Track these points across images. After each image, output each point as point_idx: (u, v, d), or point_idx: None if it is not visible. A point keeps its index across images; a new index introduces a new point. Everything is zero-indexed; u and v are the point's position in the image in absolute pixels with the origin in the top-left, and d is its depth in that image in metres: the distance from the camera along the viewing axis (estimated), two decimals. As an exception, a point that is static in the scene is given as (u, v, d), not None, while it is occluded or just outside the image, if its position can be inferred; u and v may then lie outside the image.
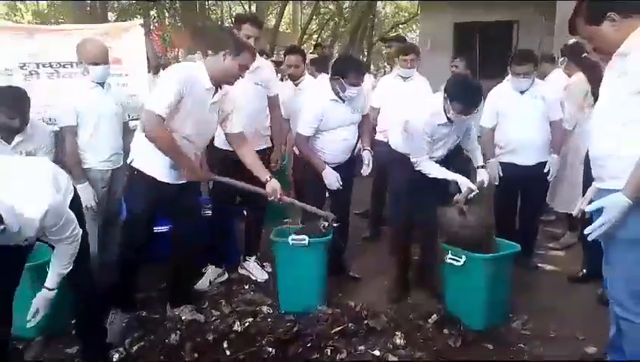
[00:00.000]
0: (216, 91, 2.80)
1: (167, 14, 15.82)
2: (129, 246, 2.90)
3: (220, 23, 17.86)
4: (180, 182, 2.83)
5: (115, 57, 3.66)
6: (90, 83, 3.18)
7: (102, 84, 3.22)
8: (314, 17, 17.14)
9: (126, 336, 2.80)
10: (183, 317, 2.98)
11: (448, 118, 3.02)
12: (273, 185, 2.95)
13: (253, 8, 17.38)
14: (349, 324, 2.87)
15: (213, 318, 3.03)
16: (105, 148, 3.23)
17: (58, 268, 2.22)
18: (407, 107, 3.32)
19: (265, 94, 3.53)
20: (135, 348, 2.72)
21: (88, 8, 12.74)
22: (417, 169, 3.13)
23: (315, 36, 18.57)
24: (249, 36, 3.30)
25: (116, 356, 2.63)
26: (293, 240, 3.05)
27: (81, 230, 2.21)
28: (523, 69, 3.48)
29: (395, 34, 6.27)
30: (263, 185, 2.98)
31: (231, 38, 2.89)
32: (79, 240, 2.20)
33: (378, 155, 3.71)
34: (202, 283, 3.48)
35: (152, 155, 2.72)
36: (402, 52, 4.36)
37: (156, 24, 15.48)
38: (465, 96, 2.91)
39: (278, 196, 2.96)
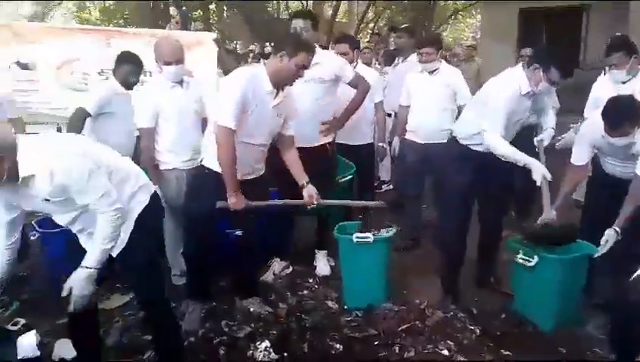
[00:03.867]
0: (278, 93, 2.84)
1: (225, 8, 16.17)
2: (197, 243, 2.97)
3: (276, 16, 18.06)
4: (248, 177, 2.92)
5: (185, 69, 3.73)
6: (168, 82, 3.18)
7: (180, 83, 3.23)
8: (370, 6, 16.86)
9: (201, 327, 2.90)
10: (251, 309, 3.05)
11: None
12: (309, 191, 2.94)
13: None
14: (416, 322, 2.86)
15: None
16: (187, 147, 3.19)
17: (98, 243, 2.09)
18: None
19: (325, 89, 3.46)
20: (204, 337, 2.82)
21: (152, 5, 13.18)
22: (486, 144, 2.90)
23: (371, 25, 18.40)
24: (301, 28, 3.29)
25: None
26: (357, 237, 3.07)
27: (120, 206, 2.10)
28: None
29: (405, 25, 5.92)
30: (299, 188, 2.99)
31: (288, 37, 2.93)
32: (118, 217, 2.08)
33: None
34: (267, 276, 3.55)
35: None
36: (417, 46, 4.14)
37: (215, 17, 15.83)
38: (562, 62, 2.84)
39: (314, 201, 2.93)
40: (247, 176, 2.92)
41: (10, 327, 2.35)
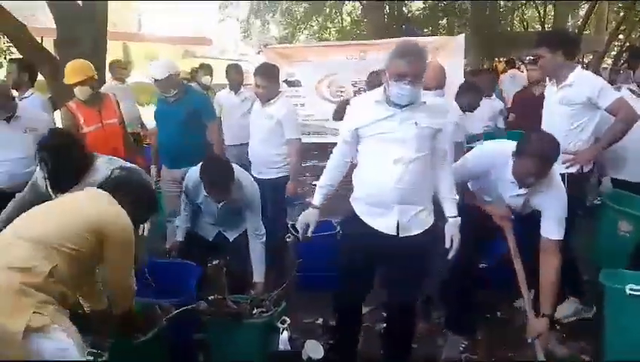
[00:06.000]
0: None
1: (456, 23, 15.94)
2: (460, 272, 2.88)
3: (509, 28, 17.14)
4: None
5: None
6: None
7: None
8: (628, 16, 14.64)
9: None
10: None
11: None
12: None
13: (550, 9, 16.16)
14: None
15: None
16: None
17: (450, 196, 2.45)
18: None
19: (572, 113, 3.04)
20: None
21: (385, 17, 13.69)
22: None
23: (621, 37, 16.14)
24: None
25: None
26: (631, 289, 2.62)
27: None
28: None
29: None
30: None
31: None
32: None
33: None
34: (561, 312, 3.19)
35: None
36: None
37: (444, 33, 15.70)
38: None
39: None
40: None
41: (279, 324, 2.62)
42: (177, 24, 23.55)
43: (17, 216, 2.49)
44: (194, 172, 3.06)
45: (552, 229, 2.61)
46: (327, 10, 17.18)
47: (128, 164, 2.89)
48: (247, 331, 2.57)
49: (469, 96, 3.77)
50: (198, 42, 21.74)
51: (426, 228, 2.41)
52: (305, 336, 3.03)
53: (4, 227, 2.23)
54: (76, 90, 3.70)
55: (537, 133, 2.57)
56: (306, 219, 2.50)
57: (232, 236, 3.29)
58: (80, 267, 1.97)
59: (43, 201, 2.70)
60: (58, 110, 4.06)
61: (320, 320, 3.30)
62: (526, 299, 2.70)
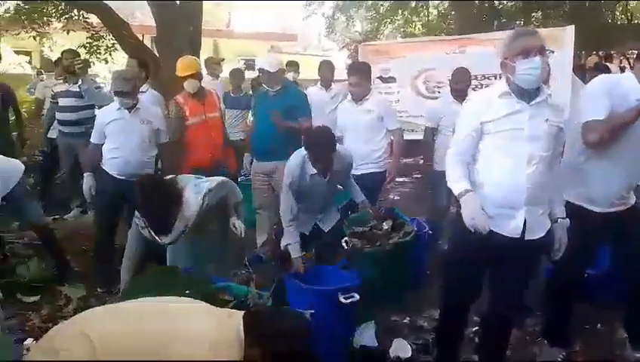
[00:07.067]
0: None
1: (552, 15, 15.05)
2: (564, 280, 2.74)
3: (610, 20, 15.93)
4: (611, 210, 2.55)
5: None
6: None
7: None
8: None
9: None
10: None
11: None
12: None
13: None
14: None
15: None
16: None
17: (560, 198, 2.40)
18: None
19: None
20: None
21: (475, 10, 13.18)
22: None
23: None
24: None
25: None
26: None
27: None
28: None
29: None
30: None
31: None
32: None
33: None
34: None
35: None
36: None
37: (539, 26, 14.88)
38: None
39: None
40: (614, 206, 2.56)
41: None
42: (264, 21, 24.23)
43: (137, 269, 2.98)
44: (294, 157, 3.11)
45: None
46: (413, 3, 16.83)
47: (214, 183, 3.01)
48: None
49: None
50: (284, 38, 22.26)
51: (548, 229, 2.28)
52: (392, 335, 3.02)
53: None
54: (186, 83, 3.99)
55: None
56: (473, 204, 2.16)
57: (327, 226, 3.35)
58: None
59: (152, 249, 2.98)
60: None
61: (407, 320, 3.26)
62: None
